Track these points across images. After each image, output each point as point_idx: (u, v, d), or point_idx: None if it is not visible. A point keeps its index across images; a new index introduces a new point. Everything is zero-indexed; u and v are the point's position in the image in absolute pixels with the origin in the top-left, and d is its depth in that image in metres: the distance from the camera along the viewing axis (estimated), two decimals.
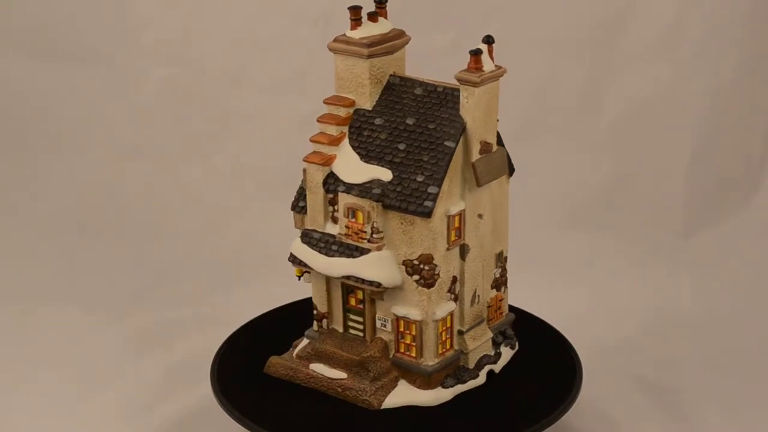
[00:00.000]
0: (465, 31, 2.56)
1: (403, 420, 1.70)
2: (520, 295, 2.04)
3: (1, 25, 2.70)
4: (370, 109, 1.73)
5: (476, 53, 1.65)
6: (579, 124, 2.64)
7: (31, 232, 2.55)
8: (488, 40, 1.67)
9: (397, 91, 1.73)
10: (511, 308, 1.98)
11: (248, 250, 2.48)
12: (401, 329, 1.72)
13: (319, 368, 1.76)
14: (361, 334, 1.76)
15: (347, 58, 1.71)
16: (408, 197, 1.65)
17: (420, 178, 1.65)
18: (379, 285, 1.68)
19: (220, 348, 1.88)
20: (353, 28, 1.72)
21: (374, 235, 1.68)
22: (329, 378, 1.75)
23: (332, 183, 1.71)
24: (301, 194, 1.76)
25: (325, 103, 1.74)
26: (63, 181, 2.64)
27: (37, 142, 2.69)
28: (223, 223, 2.56)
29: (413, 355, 1.73)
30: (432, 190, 1.64)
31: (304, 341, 1.82)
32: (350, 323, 1.77)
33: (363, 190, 1.67)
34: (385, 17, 1.75)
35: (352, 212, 1.68)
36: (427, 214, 1.64)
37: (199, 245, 2.50)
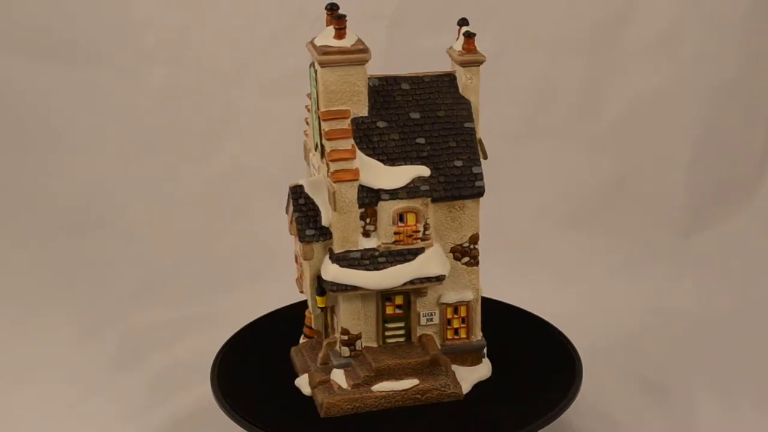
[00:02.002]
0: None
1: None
2: (521, 294, 2.04)
3: (1, 25, 2.70)
4: (366, 115, 1.69)
5: (471, 35, 1.68)
6: (579, 124, 2.64)
7: (31, 231, 2.55)
8: (464, 22, 1.71)
9: (383, 91, 1.71)
10: (512, 307, 1.99)
11: (248, 250, 2.48)
12: (449, 316, 1.73)
13: (385, 386, 1.71)
14: (402, 339, 1.74)
15: (338, 69, 1.65)
16: (455, 184, 1.67)
17: (459, 164, 1.67)
18: (444, 277, 1.68)
19: (221, 349, 1.88)
20: (342, 37, 1.65)
21: (426, 232, 1.68)
22: (403, 390, 1.71)
23: (366, 196, 1.66)
24: (306, 222, 1.69)
25: (324, 120, 1.66)
26: (63, 180, 2.64)
27: (37, 142, 2.69)
28: (223, 223, 2.56)
29: (463, 336, 1.75)
30: (476, 170, 1.67)
31: (337, 372, 1.74)
32: (388, 333, 1.74)
33: (411, 191, 1.66)
34: None
35: (400, 216, 1.67)
36: (482, 193, 1.67)
37: (199, 245, 2.50)
